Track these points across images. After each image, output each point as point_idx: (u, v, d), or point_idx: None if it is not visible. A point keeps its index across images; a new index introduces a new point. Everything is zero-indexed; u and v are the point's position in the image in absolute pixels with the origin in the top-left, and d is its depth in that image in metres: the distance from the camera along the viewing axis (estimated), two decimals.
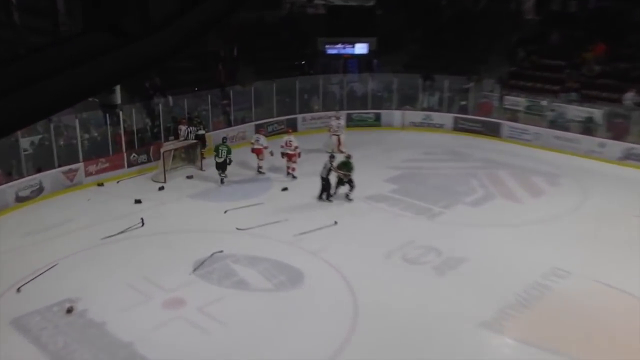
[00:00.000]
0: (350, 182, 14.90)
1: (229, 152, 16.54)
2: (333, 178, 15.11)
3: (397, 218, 14.26)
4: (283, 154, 16.92)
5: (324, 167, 14.97)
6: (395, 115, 22.65)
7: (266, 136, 17.93)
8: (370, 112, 22.84)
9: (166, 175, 16.75)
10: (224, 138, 17.30)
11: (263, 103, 22.11)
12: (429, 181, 16.75)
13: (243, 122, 21.05)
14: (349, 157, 15.07)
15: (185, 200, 15.54)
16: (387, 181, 16.50)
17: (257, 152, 17.28)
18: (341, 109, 22.68)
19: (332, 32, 25.25)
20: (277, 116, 21.69)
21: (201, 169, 17.73)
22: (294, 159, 16.95)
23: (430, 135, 21.54)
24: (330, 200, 14.87)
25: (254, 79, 22.45)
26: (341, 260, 12.05)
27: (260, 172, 17.32)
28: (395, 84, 22.85)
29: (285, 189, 16.10)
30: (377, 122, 22.74)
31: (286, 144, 16.94)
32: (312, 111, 22.82)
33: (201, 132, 18.60)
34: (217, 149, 16.63)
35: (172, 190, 16.22)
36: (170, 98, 19.62)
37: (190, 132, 18.02)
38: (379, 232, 13.47)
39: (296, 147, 16.88)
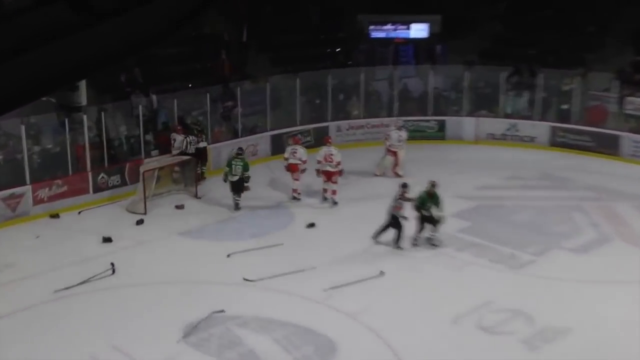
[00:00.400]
0: (434, 221, 14.84)
1: (245, 168, 16.79)
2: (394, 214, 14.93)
3: (469, 268, 14.13)
4: (319, 172, 17.15)
5: (395, 200, 14.76)
6: (467, 124, 22.63)
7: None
8: (432, 120, 22.84)
9: (147, 204, 16.84)
10: (240, 149, 17.53)
11: (282, 105, 22.23)
12: (514, 217, 16.60)
13: (254, 132, 21.21)
14: (434, 185, 14.87)
15: (173, 238, 15.59)
16: (454, 216, 16.31)
17: (293, 170, 17.55)
18: (389, 114, 22.68)
19: (378, 8, 25.35)
20: (302, 124, 21.81)
21: (196, 195, 17.86)
22: (334, 178, 17.13)
23: (516, 153, 21.41)
24: (399, 247, 14.75)
25: (269, 72, 22.61)
26: (388, 325, 11.95)
27: (295, 198, 17.58)
28: (467, 79, 22.82)
29: (311, 225, 16.14)
30: (440, 133, 22.73)
31: (325, 158, 17.12)
32: (349, 117, 22.87)
33: (203, 144, 18.83)
34: (230, 164, 16.92)
35: (156, 224, 16.29)
36: (154, 97, 19.84)
37: (190, 143, 18.26)
38: (443, 287, 13.34)
39: (338, 163, 17.07)
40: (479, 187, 18.52)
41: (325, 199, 17.34)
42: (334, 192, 17.19)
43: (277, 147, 20.82)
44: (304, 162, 17.39)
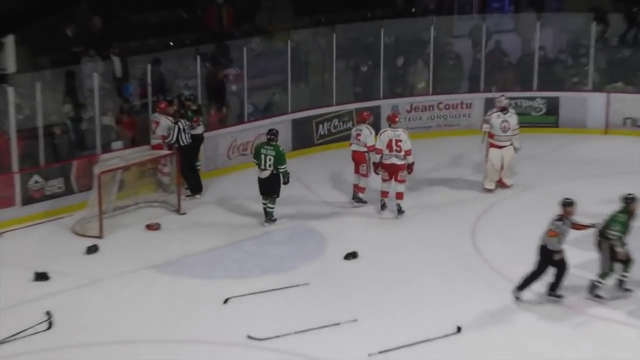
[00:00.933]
0: (628, 261, 14.52)
1: (279, 159, 17.02)
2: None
3: (598, 326, 13.88)
4: (379, 166, 17.62)
5: (553, 223, 14.37)
6: (593, 104, 22.69)
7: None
8: (538, 97, 22.93)
9: (104, 223, 16.90)
10: (272, 132, 17.51)
11: (311, 75, 22.46)
12: None
13: (267, 114, 21.32)
14: (634, 200, 14.60)
15: (143, 275, 15.51)
16: (572, 245, 15.88)
17: (357, 160, 18.21)
18: (473, 89, 22.64)
19: None
20: (340, 102, 21.98)
21: (178, 210, 18.00)
22: (401, 174, 17.41)
23: None
24: (557, 296, 14.41)
25: (290, 25, 22.65)
26: None
27: (360, 201, 18.26)
28: (594, 36, 22.78)
29: (352, 255, 16.02)
30: (551, 117, 22.87)
31: (389, 145, 17.38)
32: (412, 93, 23.03)
33: (200, 129, 19.12)
34: (257, 154, 17.28)
35: (117, 253, 16.28)
36: (117, 61, 19.96)
37: (183, 130, 18.42)
38: (555, 355, 13.08)
39: (408, 153, 17.34)
40: (611, 201, 18.05)
41: (384, 206, 17.54)
42: (399, 196, 17.38)
43: (302, 137, 20.81)
44: (370, 148, 17.65)
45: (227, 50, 21.32)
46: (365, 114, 18.92)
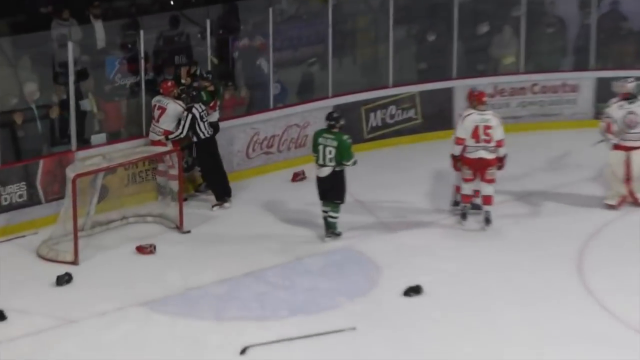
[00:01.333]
0: None
1: (343, 152, 17.20)
2: None
3: None
4: (459, 160, 18.16)
5: None
6: None
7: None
8: None
9: (80, 244, 16.95)
10: (332, 116, 17.76)
11: (358, 47, 22.57)
12: None
13: (303, 97, 21.61)
14: None
15: (132, 314, 15.50)
16: None
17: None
18: (581, 66, 22.54)
19: None
20: (397, 84, 22.20)
21: (180, 227, 18.12)
22: (489, 172, 17.89)
23: None
24: None
25: None
26: None
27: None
28: None
29: (414, 290, 15.90)
30: None
31: (474, 134, 17.59)
32: (497, 71, 23.29)
33: (214, 116, 19.43)
34: (315, 146, 17.55)
35: (97, 285, 16.32)
36: (99, 26, 20.08)
37: (200, 118, 18.62)
38: None
39: (499, 144, 17.80)
40: None
41: (465, 215, 17.91)
42: (487, 200, 17.67)
43: (347, 129, 20.55)
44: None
45: (236, 12, 21.25)
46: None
